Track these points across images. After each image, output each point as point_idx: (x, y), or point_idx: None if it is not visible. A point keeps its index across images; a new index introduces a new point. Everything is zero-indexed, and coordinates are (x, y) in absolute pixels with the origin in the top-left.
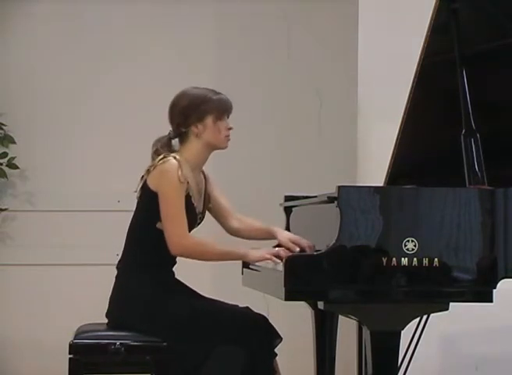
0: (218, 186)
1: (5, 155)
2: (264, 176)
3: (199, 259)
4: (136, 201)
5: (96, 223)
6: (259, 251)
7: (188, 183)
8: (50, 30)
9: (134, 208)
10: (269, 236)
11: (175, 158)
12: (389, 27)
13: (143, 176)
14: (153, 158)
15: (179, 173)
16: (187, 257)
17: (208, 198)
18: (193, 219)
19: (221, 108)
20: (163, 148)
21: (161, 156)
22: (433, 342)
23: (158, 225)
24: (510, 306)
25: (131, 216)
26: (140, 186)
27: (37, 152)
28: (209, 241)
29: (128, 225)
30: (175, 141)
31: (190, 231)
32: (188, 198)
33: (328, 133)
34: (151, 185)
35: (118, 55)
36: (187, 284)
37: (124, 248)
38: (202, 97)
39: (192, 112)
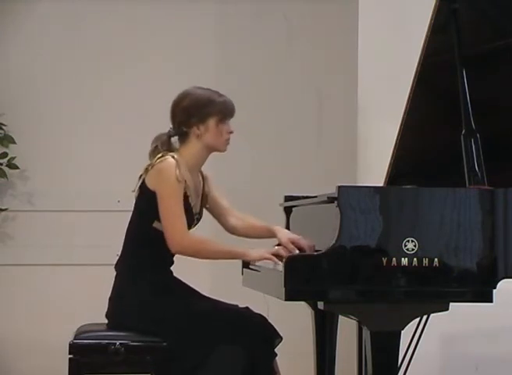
0: (216, 185)
1: (5, 155)
2: (264, 176)
3: (198, 257)
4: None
5: (96, 223)
6: (259, 250)
7: (186, 182)
8: (50, 30)
9: (133, 208)
10: (269, 234)
11: (173, 157)
12: (389, 27)
13: (141, 175)
14: (151, 156)
15: (177, 172)
16: (187, 255)
17: (205, 199)
18: (191, 220)
19: (224, 112)
20: (163, 146)
21: (160, 155)
22: (433, 342)
23: (155, 224)
24: (510, 306)
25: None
26: (138, 185)
27: (37, 152)
28: (209, 239)
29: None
30: (174, 139)
31: None
32: (186, 198)
33: (328, 133)
34: (149, 184)
35: (118, 55)
36: (185, 283)
37: (123, 248)
38: (206, 98)
39: (195, 113)
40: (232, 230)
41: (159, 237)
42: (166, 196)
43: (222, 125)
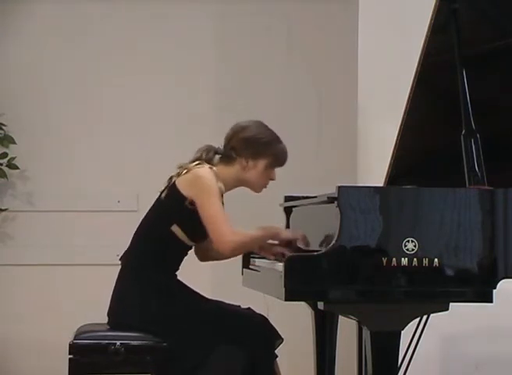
0: None
1: (5, 155)
2: None
3: (246, 251)
4: (152, 200)
5: (96, 223)
6: (288, 230)
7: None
8: (50, 30)
9: (151, 206)
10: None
11: (211, 168)
12: (389, 27)
13: (171, 177)
14: (191, 162)
15: (219, 183)
16: (239, 253)
17: None
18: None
19: (278, 158)
20: (206, 157)
21: (197, 162)
22: (433, 342)
23: (173, 228)
24: (510, 306)
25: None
26: (167, 186)
27: (37, 152)
28: (245, 231)
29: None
30: (217, 156)
31: (199, 242)
32: None
33: (328, 133)
34: (182, 188)
35: (118, 55)
36: (188, 286)
37: (131, 243)
38: (269, 139)
39: (251, 147)
40: (216, 256)
41: (172, 241)
42: (208, 200)
43: (269, 170)
